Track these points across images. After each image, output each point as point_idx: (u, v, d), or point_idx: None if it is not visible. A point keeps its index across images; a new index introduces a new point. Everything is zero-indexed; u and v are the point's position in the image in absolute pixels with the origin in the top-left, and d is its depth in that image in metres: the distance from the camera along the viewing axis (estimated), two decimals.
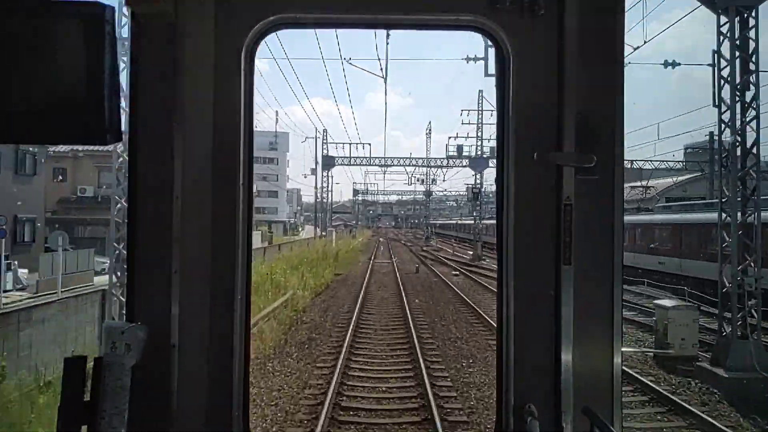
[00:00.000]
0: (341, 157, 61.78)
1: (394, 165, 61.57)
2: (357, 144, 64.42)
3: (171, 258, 2.00)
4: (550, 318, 2.06)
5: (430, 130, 79.22)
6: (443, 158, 58.53)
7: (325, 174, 67.95)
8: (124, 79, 2.69)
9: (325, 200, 72.90)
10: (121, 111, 1.57)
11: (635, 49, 24.64)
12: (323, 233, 67.50)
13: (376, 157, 62.02)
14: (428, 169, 77.41)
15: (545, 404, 2.04)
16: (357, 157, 61.09)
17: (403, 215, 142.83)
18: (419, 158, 63.82)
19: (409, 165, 62.41)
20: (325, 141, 64.92)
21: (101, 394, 1.78)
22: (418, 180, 78.88)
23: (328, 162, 63.42)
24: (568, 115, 2.02)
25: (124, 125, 1.69)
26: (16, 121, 1.44)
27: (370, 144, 70.45)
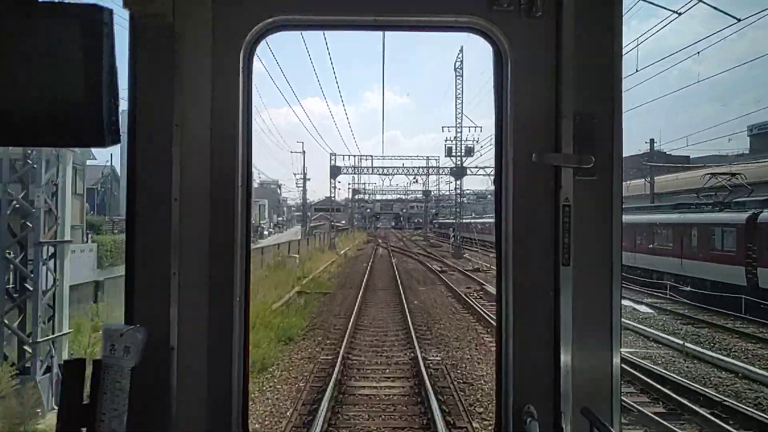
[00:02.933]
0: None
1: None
2: None
3: (170, 260, 2.00)
4: (549, 319, 2.06)
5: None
6: None
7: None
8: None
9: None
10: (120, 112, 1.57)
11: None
12: None
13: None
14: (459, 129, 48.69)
15: (544, 405, 2.04)
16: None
17: (405, 214, 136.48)
18: None
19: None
20: None
21: (100, 396, 1.78)
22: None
23: None
24: (567, 116, 2.02)
25: (122, 127, 1.69)
26: (14, 123, 1.44)
27: None
